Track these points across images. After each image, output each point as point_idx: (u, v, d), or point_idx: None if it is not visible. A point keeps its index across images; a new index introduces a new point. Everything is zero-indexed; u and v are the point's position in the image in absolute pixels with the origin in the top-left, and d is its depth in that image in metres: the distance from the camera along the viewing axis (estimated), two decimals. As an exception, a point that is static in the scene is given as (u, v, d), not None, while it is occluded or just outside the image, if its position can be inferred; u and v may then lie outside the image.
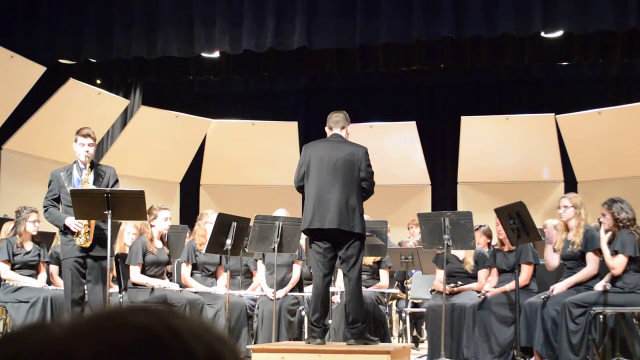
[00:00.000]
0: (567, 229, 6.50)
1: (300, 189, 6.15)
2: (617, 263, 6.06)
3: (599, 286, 6.12)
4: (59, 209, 6.16)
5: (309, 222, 5.92)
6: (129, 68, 11.15)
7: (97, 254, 6.09)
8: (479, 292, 6.94)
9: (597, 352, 6.09)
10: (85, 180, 6.09)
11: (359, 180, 5.97)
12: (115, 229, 6.40)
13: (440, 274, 7.17)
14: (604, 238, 6.14)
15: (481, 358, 6.62)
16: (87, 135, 6.12)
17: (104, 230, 6.03)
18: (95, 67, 11.02)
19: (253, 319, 7.46)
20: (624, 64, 11.65)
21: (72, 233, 6.05)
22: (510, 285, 6.62)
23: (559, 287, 6.31)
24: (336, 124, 6.17)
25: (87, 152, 6.11)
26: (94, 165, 6.24)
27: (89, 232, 6.03)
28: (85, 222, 6.02)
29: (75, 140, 6.15)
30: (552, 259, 6.55)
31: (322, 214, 5.87)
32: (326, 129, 6.24)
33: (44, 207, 6.23)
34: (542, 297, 6.30)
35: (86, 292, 6.18)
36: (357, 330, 5.89)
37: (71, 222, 6.02)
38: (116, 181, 6.28)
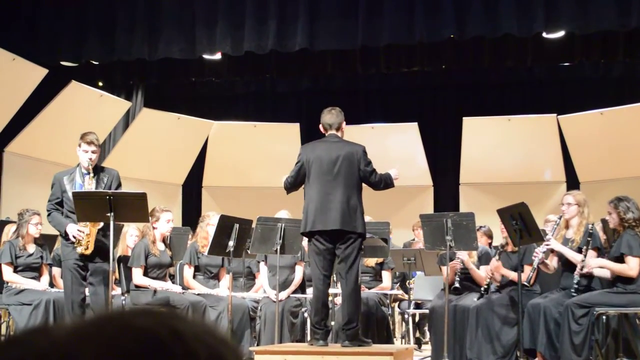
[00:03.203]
0: (567, 226, 6.50)
1: (292, 189, 6.13)
2: (633, 265, 6.01)
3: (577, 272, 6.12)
4: (62, 213, 6.10)
5: (312, 225, 5.89)
6: (131, 70, 11.15)
7: (97, 262, 6.07)
8: (480, 286, 6.93)
9: (600, 352, 6.07)
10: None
11: (359, 179, 5.96)
12: (118, 232, 6.37)
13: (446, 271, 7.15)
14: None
15: (484, 359, 6.61)
16: (90, 143, 6.06)
17: (106, 244, 5.99)
18: (97, 69, 11.02)
19: (255, 321, 7.45)
20: (626, 64, 11.63)
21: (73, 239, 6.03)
22: (513, 275, 6.60)
23: (592, 262, 6.19)
24: (331, 126, 6.12)
25: (90, 159, 6.08)
26: (97, 168, 6.23)
27: (89, 242, 6.01)
28: (87, 231, 5.99)
29: (79, 146, 6.11)
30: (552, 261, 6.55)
31: (324, 216, 5.85)
32: (321, 127, 6.20)
33: (47, 211, 6.17)
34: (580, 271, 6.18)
35: (87, 294, 6.16)
36: (351, 332, 5.87)
37: (72, 230, 5.99)
38: (119, 185, 6.22)
